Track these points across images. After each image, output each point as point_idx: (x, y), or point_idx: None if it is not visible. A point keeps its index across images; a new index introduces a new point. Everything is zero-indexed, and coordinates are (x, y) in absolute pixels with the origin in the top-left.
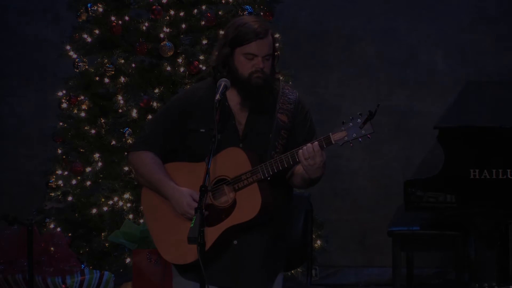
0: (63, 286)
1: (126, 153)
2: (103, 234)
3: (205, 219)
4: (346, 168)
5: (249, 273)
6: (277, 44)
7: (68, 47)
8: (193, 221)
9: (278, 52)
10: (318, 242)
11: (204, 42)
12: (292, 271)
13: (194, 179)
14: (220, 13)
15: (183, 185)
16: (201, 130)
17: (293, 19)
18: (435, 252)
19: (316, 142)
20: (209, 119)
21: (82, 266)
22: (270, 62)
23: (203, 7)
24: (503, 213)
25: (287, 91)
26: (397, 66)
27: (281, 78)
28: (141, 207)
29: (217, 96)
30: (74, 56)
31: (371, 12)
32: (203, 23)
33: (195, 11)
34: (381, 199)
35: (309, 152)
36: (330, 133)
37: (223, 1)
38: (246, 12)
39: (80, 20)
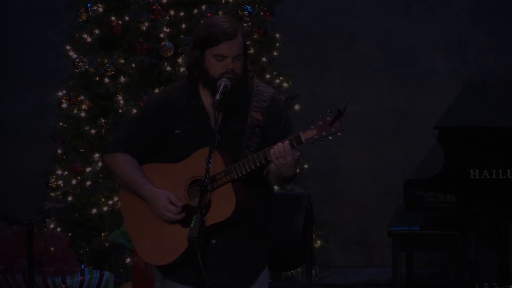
0: (63, 286)
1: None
2: (103, 234)
3: (182, 220)
4: (346, 168)
5: (230, 272)
6: (248, 42)
7: (68, 47)
8: (193, 221)
9: (250, 50)
10: (318, 242)
11: None
12: (292, 271)
13: (171, 180)
14: (220, 13)
15: (160, 187)
16: (176, 132)
17: (293, 19)
18: (435, 252)
19: (287, 141)
20: (184, 120)
21: (82, 266)
22: (241, 62)
23: (203, 7)
24: (503, 213)
25: (261, 88)
26: (397, 66)
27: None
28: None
29: (217, 96)
30: (74, 56)
31: (371, 12)
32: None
33: (195, 11)
34: (381, 199)
35: (279, 152)
36: (300, 132)
37: (223, 1)
38: (246, 12)
39: (80, 20)
